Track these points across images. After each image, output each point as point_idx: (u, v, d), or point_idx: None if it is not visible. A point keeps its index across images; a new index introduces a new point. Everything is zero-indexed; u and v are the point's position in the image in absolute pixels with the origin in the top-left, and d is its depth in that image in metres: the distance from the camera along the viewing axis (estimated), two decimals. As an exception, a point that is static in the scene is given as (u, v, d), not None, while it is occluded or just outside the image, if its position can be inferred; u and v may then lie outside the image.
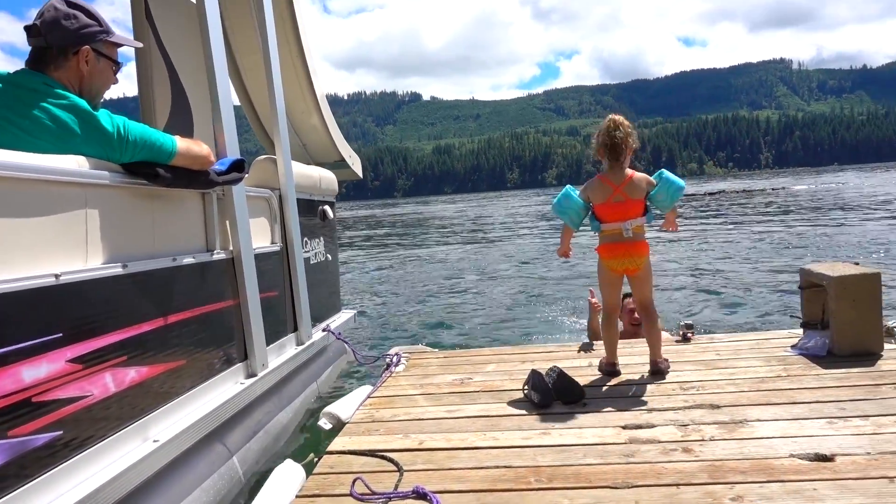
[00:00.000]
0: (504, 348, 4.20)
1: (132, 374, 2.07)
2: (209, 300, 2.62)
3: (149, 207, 2.29)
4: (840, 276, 3.30)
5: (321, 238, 4.33)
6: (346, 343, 4.17)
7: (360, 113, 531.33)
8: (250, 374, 2.94)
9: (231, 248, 2.85)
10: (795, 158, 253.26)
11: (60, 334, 1.74)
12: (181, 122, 3.18)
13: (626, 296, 4.16)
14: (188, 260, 2.47)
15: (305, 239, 3.98)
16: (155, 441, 2.12)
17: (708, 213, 25.41)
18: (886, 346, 3.40)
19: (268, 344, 3.14)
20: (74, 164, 1.91)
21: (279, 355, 3.38)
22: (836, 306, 3.33)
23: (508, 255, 14.52)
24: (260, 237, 3.36)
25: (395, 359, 3.82)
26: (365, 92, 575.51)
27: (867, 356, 3.28)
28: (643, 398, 2.95)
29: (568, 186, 3.33)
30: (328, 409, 3.33)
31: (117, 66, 2.20)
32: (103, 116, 2.03)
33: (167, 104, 3.28)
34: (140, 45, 2.22)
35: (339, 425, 3.21)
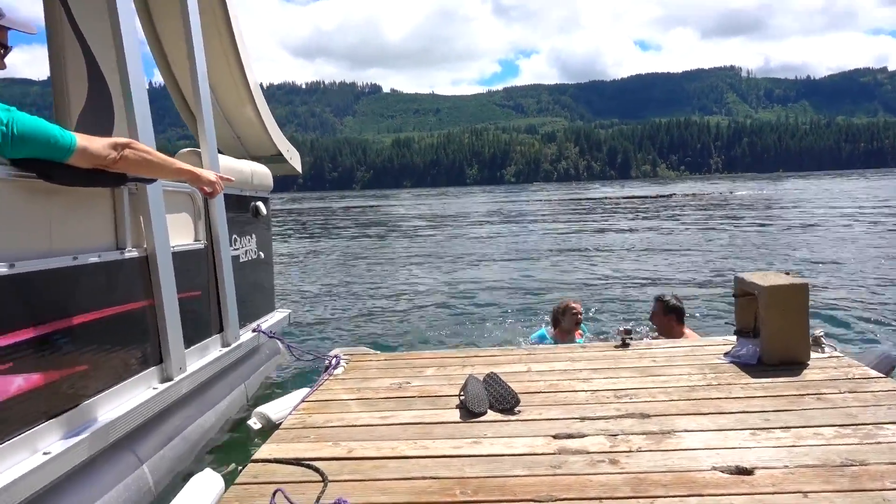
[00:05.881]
0: (446, 352, 4.17)
1: (19, 382, 1.95)
2: (118, 301, 2.50)
3: (44, 203, 2.15)
4: (770, 286, 3.38)
5: (253, 235, 4.20)
6: (280, 340, 4.06)
7: (318, 103, 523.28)
8: (165, 378, 2.82)
9: (146, 245, 2.72)
10: (743, 164, 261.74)
11: None
12: (99, 109, 3.00)
13: (658, 298, 4.64)
14: (93, 259, 2.34)
15: (235, 236, 3.85)
16: (46, 453, 2.00)
17: (656, 216, 26.03)
18: (813, 354, 3.51)
19: (188, 346, 3.03)
20: None
21: (201, 358, 3.26)
22: (766, 315, 3.42)
23: (464, 254, 14.53)
24: (182, 234, 3.23)
25: (334, 361, 3.74)
26: (324, 82, 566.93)
27: (795, 365, 3.38)
28: (577, 406, 2.96)
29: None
30: (260, 408, 3.25)
31: (6, 50, 2.04)
32: None
33: (83, 90, 3.09)
34: (34, 31, 2.06)
35: (268, 426, 3.14)
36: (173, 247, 2.93)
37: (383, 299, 8.89)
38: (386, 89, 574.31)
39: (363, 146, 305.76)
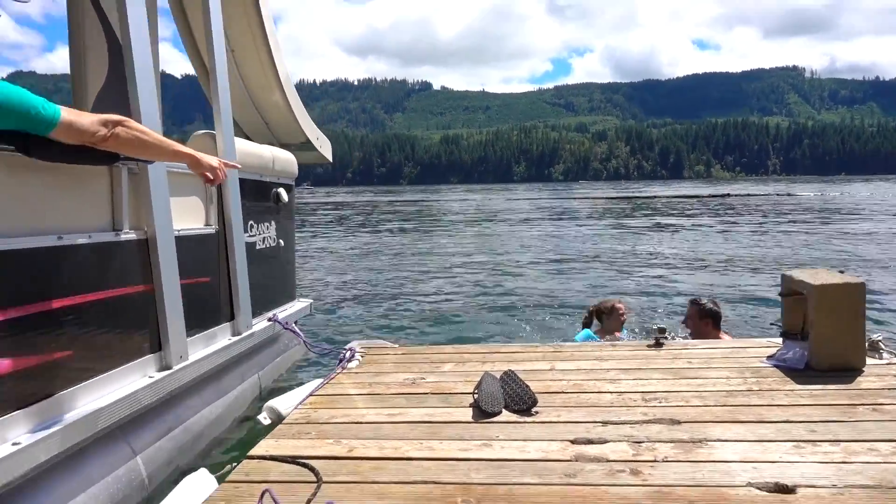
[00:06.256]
0: (466, 346, 3.98)
1: None
2: (111, 284, 2.38)
3: (29, 180, 2.05)
4: (821, 285, 3.07)
5: (272, 222, 4.08)
6: (295, 332, 3.94)
7: (369, 99, 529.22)
8: (164, 367, 2.70)
9: (146, 228, 2.61)
10: (803, 166, 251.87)
11: None
12: (119, 90, 2.93)
13: (693, 301, 4.42)
14: (81, 240, 2.23)
15: (251, 222, 3.74)
16: (15, 444, 1.89)
17: (709, 214, 25.17)
18: (869, 360, 3.18)
19: (193, 334, 2.91)
20: None
21: (207, 346, 3.14)
22: (816, 317, 3.11)
23: (505, 252, 14.29)
24: (191, 218, 3.13)
25: (348, 354, 3.59)
26: (375, 79, 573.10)
27: (847, 371, 3.06)
28: (600, 409, 2.73)
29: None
30: (270, 402, 3.13)
31: None
32: None
33: (102, 71, 3.02)
34: (26, 0, 1.96)
35: (279, 421, 3.02)
36: (179, 230, 2.83)
37: (416, 293, 8.75)
38: (436, 86, 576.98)
39: (412, 142, 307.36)
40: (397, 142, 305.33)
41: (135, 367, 2.54)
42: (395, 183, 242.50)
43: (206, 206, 3.31)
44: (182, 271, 2.81)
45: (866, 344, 3.19)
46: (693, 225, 20.44)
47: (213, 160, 2.33)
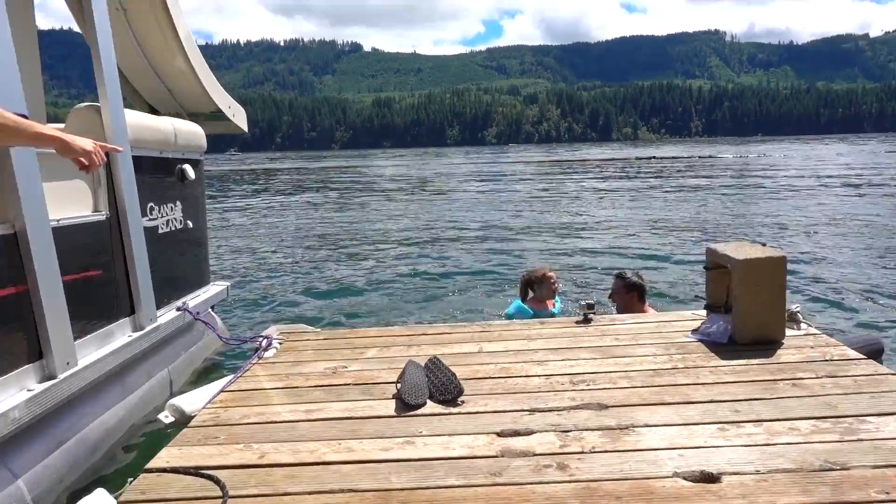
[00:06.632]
0: (392, 329, 3.82)
1: None
2: None
3: None
4: (745, 259, 3.08)
5: (177, 202, 3.74)
6: (206, 322, 3.66)
7: (297, 61, 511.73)
8: (47, 377, 2.41)
9: (13, 220, 2.28)
10: (724, 128, 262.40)
11: None
12: None
13: (618, 276, 4.41)
14: None
15: (151, 204, 3.40)
16: None
17: (636, 177, 25.81)
18: (788, 332, 3.24)
19: (83, 335, 2.61)
20: None
21: (102, 347, 2.84)
22: (740, 291, 3.13)
23: (434, 221, 14.14)
24: (74, 205, 2.80)
25: (265, 342, 3.37)
26: (303, 39, 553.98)
27: (769, 344, 3.11)
28: (528, 395, 2.64)
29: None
30: (174, 399, 2.88)
31: None
32: None
33: None
34: None
35: (182, 420, 2.79)
36: (59, 220, 2.50)
37: (343, 269, 8.45)
38: (367, 48, 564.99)
39: (343, 106, 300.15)
40: (328, 105, 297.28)
41: (10, 380, 2.24)
42: (326, 147, 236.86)
43: (93, 190, 2.95)
44: (65, 266, 2.49)
45: (786, 315, 3.24)
46: (621, 189, 20.88)
47: (86, 143, 2.00)
